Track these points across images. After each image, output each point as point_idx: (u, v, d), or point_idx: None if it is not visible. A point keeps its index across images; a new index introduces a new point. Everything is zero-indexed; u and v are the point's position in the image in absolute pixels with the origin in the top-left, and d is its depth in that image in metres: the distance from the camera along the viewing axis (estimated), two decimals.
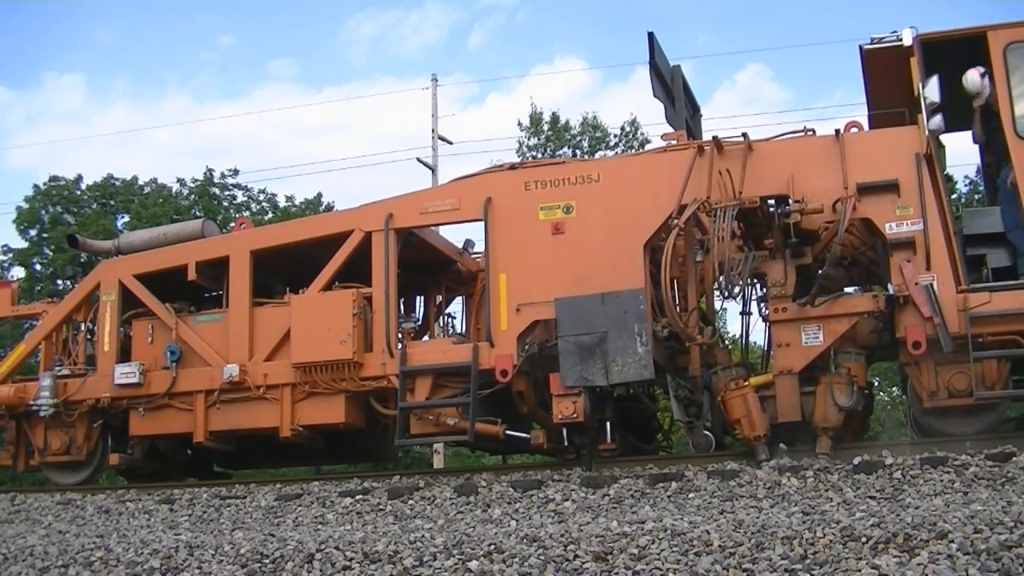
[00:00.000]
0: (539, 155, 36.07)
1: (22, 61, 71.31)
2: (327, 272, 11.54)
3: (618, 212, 10.67)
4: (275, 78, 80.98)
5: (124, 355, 12.33)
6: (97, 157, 64.98)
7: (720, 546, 6.73)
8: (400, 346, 11.30)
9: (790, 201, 10.25)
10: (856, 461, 9.28)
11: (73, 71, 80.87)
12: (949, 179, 31.13)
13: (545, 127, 37.87)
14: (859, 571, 6.09)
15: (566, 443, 10.90)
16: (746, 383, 10.33)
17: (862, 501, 8.12)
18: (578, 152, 36.44)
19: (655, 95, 11.41)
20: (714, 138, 10.63)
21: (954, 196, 28.35)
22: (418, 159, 34.63)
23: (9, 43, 66.35)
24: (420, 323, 13.18)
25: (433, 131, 35.27)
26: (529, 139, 37.46)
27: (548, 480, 10.04)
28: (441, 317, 13.52)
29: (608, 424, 10.80)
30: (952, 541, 6.25)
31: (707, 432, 10.99)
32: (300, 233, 12.18)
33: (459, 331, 12.99)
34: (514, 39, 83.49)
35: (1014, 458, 8.80)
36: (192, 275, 12.11)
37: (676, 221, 10.19)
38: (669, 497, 9.01)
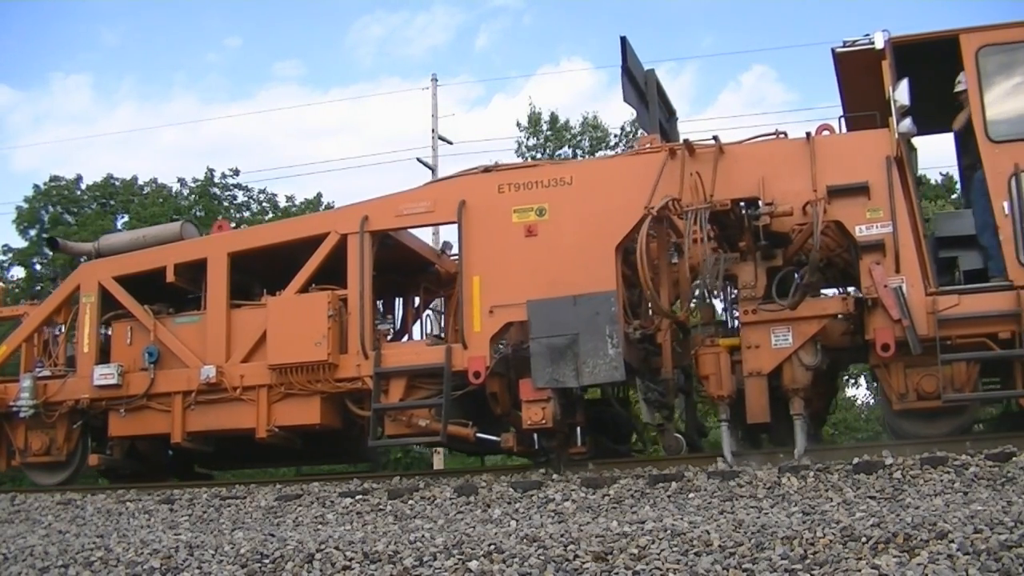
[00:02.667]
0: (538, 155, 36.20)
1: (28, 62, 71.50)
2: (303, 274, 11.62)
3: (591, 215, 10.73)
4: (282, 79, 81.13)
5: (105, 357, 12.41)
6: (103, 158, 65.11)
7: (720, 546, 6.75)
8: (375, 348, 11.35)
9: (760, 204, 10.29)
10: (856, 461, 9.31)
11: (79, 72, 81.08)
12: (943, 181, 31.11)
13: (544, 127, 37.98)
14: (859, 571, 6.10)
15: (536, 446, 10.95)
16: (718, 342, 10.44)
17: (862, 501, 8.13)
18: (578, 152, 36.51)
19: (626, 100, 11.46)
20: (685, 141, 10.68)
21: (954, 196, 28.29)
22: (418, 159, 34.76)
23: (15, 44, 66.59)
24: (400, 325, 13.26)
25: (433, 131, 35.38)
26: (528, 139, 37.59)
27: (548, 480, 10.07)
28: (420, 319, 13.58)
29: (578, 428, 10.85)
30: (952, 541, 6.26)
31: (678, 435, 11.05)
32: (277, 235, 12.26)
33: (438, 333, 13.04)
34: (520, 40, 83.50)
35: (1014, 458, 8.83)
36: (170, 277, 12.20)
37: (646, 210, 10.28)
38: (669, 497, 9.03)
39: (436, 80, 35.49)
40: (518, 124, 38.03)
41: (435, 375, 10.94)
